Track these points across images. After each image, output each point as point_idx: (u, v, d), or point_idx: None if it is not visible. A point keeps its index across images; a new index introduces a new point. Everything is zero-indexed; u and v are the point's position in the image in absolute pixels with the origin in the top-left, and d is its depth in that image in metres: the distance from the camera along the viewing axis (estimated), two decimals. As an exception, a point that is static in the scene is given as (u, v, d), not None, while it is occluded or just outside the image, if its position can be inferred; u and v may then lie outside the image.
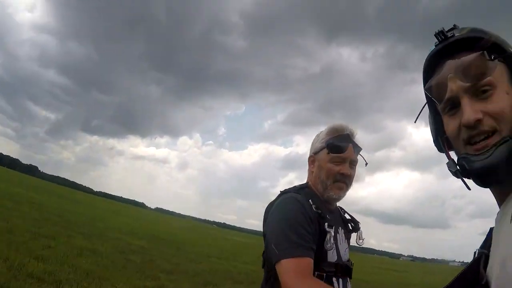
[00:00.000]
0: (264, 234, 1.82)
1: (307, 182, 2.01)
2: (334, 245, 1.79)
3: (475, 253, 0.91)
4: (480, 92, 0.89)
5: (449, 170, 0.96)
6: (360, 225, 2.06)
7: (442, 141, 1.02)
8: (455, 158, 0.96)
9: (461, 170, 0.91)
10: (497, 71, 0.90)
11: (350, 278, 1.89)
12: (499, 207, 0.90)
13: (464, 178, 0.92)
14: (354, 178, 1.95)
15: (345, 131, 1.94)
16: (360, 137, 2.00)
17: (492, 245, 0.84)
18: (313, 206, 1.78)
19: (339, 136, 1.92)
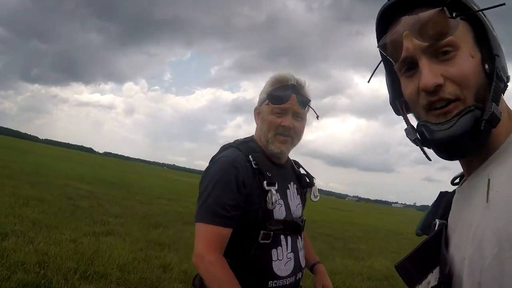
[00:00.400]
0: None
1: (252, 136, 1.94)
2: (282, 201, 1.75)
3: (435, 224, 0.84)
4: (440, 53, 0.78)
5: (407, 137, 0.86)
6: (315, 181, 2.00)
7: (399, 104, 0.93)
8: (414, 124, 0.86)
9: (421, 139, 0.82)
10: (459, 30, 0.79)
11: (300, 235, 1.84)
12: (466, 176, 0.84)
13: (424, 148, 0.82)
14: (303, 131, 1.86)
15: (289, 81, 1.82)
16: (310, 88, 1.89)
17: (452, 218, 0.79)
18: (253, 162, 1.73)
19: (282, 87, 1.80)
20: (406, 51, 0.80)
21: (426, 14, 0.78)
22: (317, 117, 1.90)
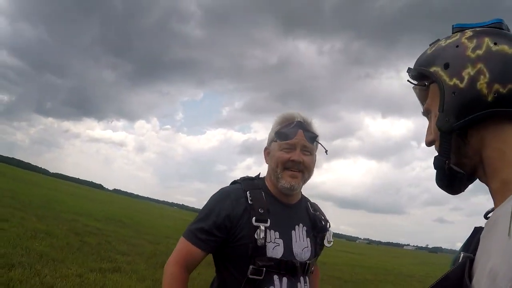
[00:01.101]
0: None
1: (258, 175, 1.96)
2: (282, 241, 1.73)
3: (458, 257, 0.86)
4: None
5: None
6: (329, 226, 1.97)
7: None
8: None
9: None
10: (430, 94, 0.94)
11: (303, 278, 1.77)
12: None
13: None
14: (313, 166, 1.85)
15: (295, 118, 1.85)
16: (317, 125, 1.91)
17: (479, 251, 0.80)
18: (249, 198, 1.75)
19: (289, 124, 1.83)
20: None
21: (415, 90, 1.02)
22: (326, 151, 1.90)
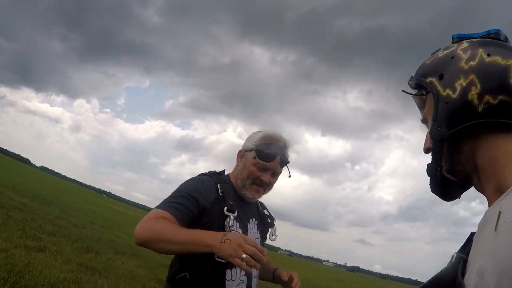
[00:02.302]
0: None
1: (224, 170, 2.11)
2: (241, 231, 1.90)
3: (452, 256, 0.87)
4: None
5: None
6: (275, 223, 2.18)
7: None
8: None
9: None
10: (427, 104, 0.98)
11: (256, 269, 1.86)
12: None
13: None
14: (273, 185, 2.04)
15: (279, 141, 2.01)
16: (293, 148, 2.09)
17: (471, 251, 0.81)
18: (220, 190, 1.91)
19: (271, 145, 1.98)
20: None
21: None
22: (289, 176, 2.09)
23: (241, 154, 2.05)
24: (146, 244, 1.71)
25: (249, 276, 1.91)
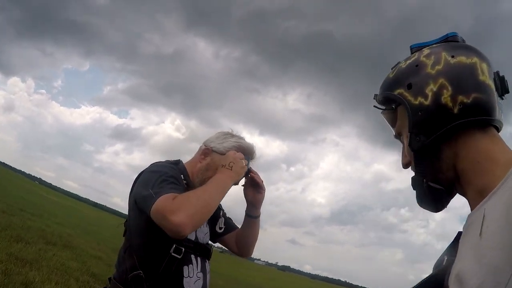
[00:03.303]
0: (131, 199, 1.83)
1: (179, 160, 2.02)
2: None
3: (443, 259, 0.86)
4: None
5: None
6: (222, 214, 2.13)
7: None
8: None
9: None
10: (399, 117, 0.98)
11: (209, 259, 1.94)
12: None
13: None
14: None
15: (253, 155, 2.02)
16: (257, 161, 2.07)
17: (457, 256, 0.80)
18: (184, 182, 1.86)
19: (246, 158, 1.94)
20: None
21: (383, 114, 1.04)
22: (242, 185, 2.06)
23: (207, 152, 1.97)
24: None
25: (204, 272, 1.87)
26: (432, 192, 0.90)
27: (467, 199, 0.87)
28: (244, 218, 2.13)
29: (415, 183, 0.93)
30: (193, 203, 1.58)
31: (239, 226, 2.19)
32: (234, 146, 1.96)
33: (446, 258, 0.85)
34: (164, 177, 1.71)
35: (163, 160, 2.01)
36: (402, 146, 0.98)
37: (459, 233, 0.84)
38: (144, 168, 1.88)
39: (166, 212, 1.53)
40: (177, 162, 1.99)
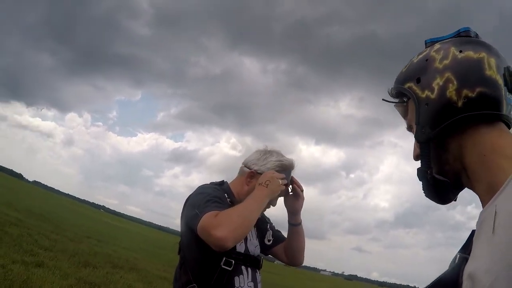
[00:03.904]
0: (182, 220, 1.98)
1: (226, 182, 2.15)
2: (242, 240, 1.95)
3: (456, 257, 0.86)
4: None
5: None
6: (269, 227, 2.26)
7: None
8: None
9: None
10: (409, 111, 1.00)
11: (259, 269, 2.05)
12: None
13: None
14: None
15: (293, 168, 2.15)
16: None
17: (471, 253, 0.79)
18: (228, 200, 1.98)
19: (285, 173, 2.07)
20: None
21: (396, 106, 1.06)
22: (290, 192, 2.19)
23: (252, 175, 2.08)
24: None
25: (255, 281, 1.98)
26: (436, 184, 0.92)
27: (476, 193, 0.87)
28: (288, 228, 2.24)
29: (419, 174, 0.96)
30: (234, 218, 1.74)
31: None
32: (276, 165, 2.07)
33: (458, 255, 0.84)
34: (208, 198, 1.88)
35: (219, 179, 2.17)
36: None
37: (473, 231, 0.82)
38: (192, 192, 2.04)
39: (209, 228, 1.71)
40: (222, 183, 2.13)
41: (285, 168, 2.10)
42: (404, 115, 1.03)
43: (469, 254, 0.79)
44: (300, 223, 2.22)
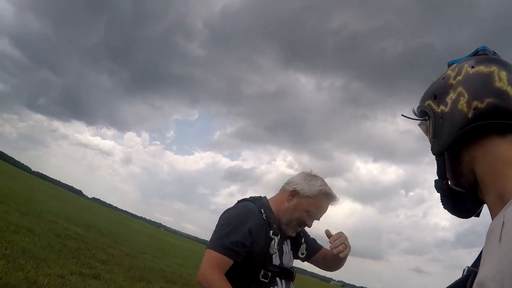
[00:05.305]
0: None
1: (264, 197, 2.30)
2: (277, 251, 2.11)
3: (464, 270, 0.88)
4: None
5: None
6: (303, 240, 2.35)
7: None
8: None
9: None
10: (430, 127, 1.03)
11: (292, 281, 2.20)
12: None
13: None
14: None
15: (335, 202, 2.28)
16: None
17: (480, 262, 0.80)
18: (263, 215, 2.12)
19: (327, 203, 2.25)
20: None
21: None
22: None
23: (295, 194, 2.22)
24: None
25: None
26: (452, 195, 0.97)
27: (487, 204, 0.89)
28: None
29: (436, 185, 0.99)
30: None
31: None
32: (320, 190, 2.21)
33: (467, 268, 0.86)
34: (229, 230, 2.04)
35: None
36: None
37: None
38: (229, 209, 2.22)
39: (203, 268, 1.98)
40: (260, 198, 2.28)
41: (329, 196, 2.23)
42: (427, 132, 1.06)
43: (478, 268, 0.80)
44: None
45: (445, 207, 0.99)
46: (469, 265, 0.88)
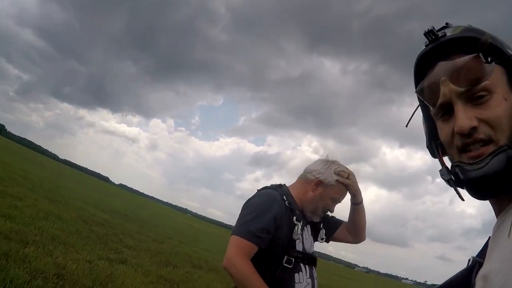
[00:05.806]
0: None
1: (284, 185, 2.33)
2: (300, 236, 2.13)
3: (469, 260, 0.85)
4: (475, 97, 0.82)
5: (442, 178, 0.90)
6: (321, 225, 2.39)
7: (435, 146, 0.96)
8: (449, 165, 0.90)
9: (454, 179, 0.86)
10: (494, 75, 0.82)
11: (315, 266, 2.23)
12: (496, 216, 0.83)
13: (457, 188, 0.87)
14: None
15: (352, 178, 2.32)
16: None
17: (486, 255, 0.77)
18: (286, 202, 2.14)
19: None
20: (444, 96, 0.84)
21: (463, 60, 0.82)
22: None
23: (318, 183, 2.26)
24: (230, 276, 1.98)
25: (312, 277, 2.15)
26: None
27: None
28: (350, 207, 2.41)
29: (504, 158, 0.78)
30: (241, 280, 1.95)
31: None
32: (338, 171, 2.26)
33: (471, 258, 0.85)
34: (253, 216, 2.04)
35: None
36: (465, 105, 0.85)
37: (489, 238, 0.83)
38: (254, 195, 2.23)
39: (229, 254, 1.97)
40: (280, 186, 2.30)
41: (346, 176, 2.25)
42: (477, 73, 0.82)
43: (483, 259, 0.79)
44: (360, 202, 2.38)
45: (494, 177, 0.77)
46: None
